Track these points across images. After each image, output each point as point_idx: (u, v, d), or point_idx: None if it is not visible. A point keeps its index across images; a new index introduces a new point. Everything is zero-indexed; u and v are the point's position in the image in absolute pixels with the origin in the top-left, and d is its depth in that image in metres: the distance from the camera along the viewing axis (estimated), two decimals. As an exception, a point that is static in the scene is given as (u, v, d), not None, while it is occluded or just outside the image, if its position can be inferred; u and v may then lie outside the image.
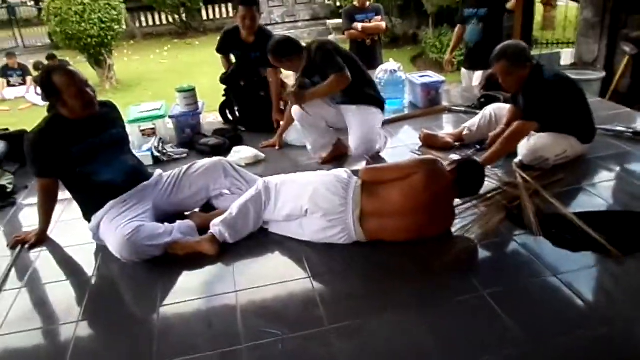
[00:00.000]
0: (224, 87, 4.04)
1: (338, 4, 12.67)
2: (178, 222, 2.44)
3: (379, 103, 3.31)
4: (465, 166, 2.35)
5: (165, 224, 2.39)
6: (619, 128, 3.38)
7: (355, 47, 4.83)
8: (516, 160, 2.93)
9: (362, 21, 4.74)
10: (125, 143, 2.61)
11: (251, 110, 3.96)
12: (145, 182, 2.55)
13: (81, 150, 2.35)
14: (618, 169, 2.94)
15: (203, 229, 2.44)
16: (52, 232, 2.66)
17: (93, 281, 2.28)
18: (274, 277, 2.15)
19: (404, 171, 2.23)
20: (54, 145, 2.31)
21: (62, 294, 2.22)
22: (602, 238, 2.16)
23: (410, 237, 2.24)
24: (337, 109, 3.26)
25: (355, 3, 4.89)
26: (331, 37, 12.03)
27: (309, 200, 2.25)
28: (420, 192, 2.15)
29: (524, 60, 2.84)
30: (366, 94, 3.22)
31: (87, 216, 2.47)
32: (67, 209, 2.84)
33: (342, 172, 2.37)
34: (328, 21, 12.83)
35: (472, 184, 2.37)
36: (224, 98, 4.10)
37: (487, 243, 2.28)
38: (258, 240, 2.42)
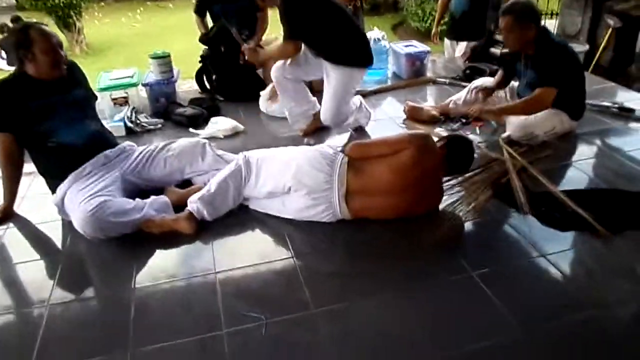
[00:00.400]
0: (200, 53, 3.86)
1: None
2: (152, 197, 2.31)
3: (364, 61, 3.03)
4: (455, 142, 2.27)
5: (137, 199, 2.27)
6: (604, 103, 3.34)
7: None
8: (503, 135, 2.86)
9: None
10: (88, 106, 2.47)
11: (230, 79, 3.79)
12: (107, 152, 2.41)
13: (40, 106, 2.23)
14: (604, 145, 2.91)
15: (179, 205, 2.32)
16: (19, 207, 2.51)
17: (63, 261, 2.15)
18: (255, 256, 2.06)
19: (392, 147, 2.13)
20: (12, 98, 2.22)
21: (30, 274, 2.09)
22: (590, 217, 2.12)
23: (397, 215, 2.17)
24: (319, 61, 3.03)
25: None
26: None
27: (292, 177, 2.15)
28: (410, 169, 2.06)
29: (530, 19, 2.71)
30: (351, 54, 2.97)
31: (51, 187, 2.34)
32: (34, 183, 2.68)
33: (326, 148, 2.27)
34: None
35: (462, 161, 2.29)
36: (200, 65, 3.91)
37: (475, 221, 2.23)
38: (238, 217, 2.31)
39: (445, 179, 2.40)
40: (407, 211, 2.16)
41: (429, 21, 8.51)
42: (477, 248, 2.10)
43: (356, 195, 2.13)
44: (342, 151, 2.22)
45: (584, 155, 2.82)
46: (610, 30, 5.28)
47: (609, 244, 2.04)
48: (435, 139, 2.27)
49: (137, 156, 2.48)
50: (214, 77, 3.86)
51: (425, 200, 2.19)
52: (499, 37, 4.15)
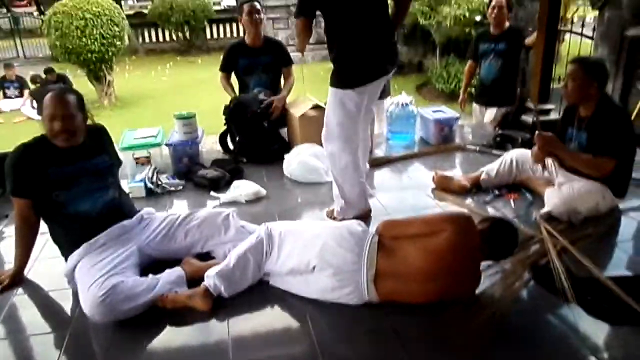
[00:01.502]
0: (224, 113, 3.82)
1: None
2: (166, 271, 2.18)
3: (357, 81, 2.49)
4: (499, 226, 2.11)
5: (150, 275, 2.14)
6: (645, 177, 3.16)
7: None
8: (542, 211, 2.69)
9: None
10: (110, 174, 2.37)
11: (253, 141, 3.73)
12: (124, 222, 2.31)
13: (59, 174, 2.16)
14: (650, 223, 2.72)
15: (196, 279, 2.18)
16: (30, 271, 2.41)
17: (68, 336, 2.00)
18: (273, 340, 1.91)
19: (430, 227, 1.98)
20: (32, 163, 2.15)
21: (36, 346, 1.97)
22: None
23: (429, 300, 1.99)
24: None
25: None
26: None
27: (317, 255, 2.00)
28: (447, 253, 1.90)
29: (596, 76, 2.61)
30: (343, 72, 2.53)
31: (64, 254, 2.25)
32: (47, 245, 2.58)
33: (355, 225, 2.13)
34: (333, 45, 12.70)
35: (505, 248, 2.12)
36: (224, 127, 3.87)
37: (514, 310, 2.03)
38: (257, 294, 2.16)
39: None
40: (439, 297, 1.99)
41: (453, 83, 8.53)
42: (518, 343, 1.88)
43: (386, 278, 1.97)
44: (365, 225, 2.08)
45: (629, 235, 2.62)
46: (643, 98, 5.15)
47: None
48: (476, 218, 2.11)
49: (157, 227, 2.37)
50: (237, 138, 3.81)
51: (461, 286, 2.01)
52: (529, 105, 4.07)
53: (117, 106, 9.27)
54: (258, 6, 3.72)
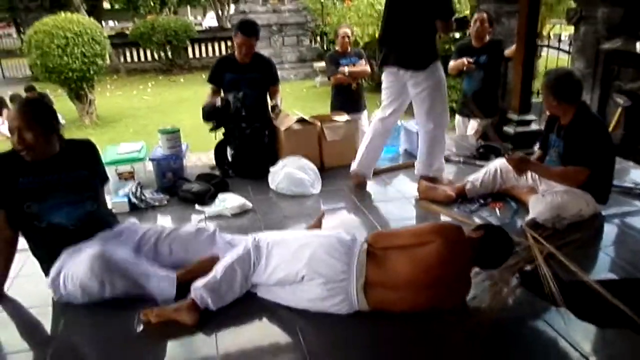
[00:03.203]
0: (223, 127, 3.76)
1: (325, 47, 12.71)
2: (159, 272, 2.14)
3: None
4: (493, 235, 2.08)
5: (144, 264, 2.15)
6: (627, 184, 3.23)
7: (340, 91, 4.67)
8: (527, 218, 2.72)
9: (347, 65, 4.60)
10: (87, 187, 2.29)
11: (247, 156, 3.70)
12: (107, 232, 2.27)
13: (29, 184, 2.12)
14: (632, 229, 2.76)
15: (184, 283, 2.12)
16: (10, 288, 2.33)
17: (52, 351, 1.94)
18: (264, 353, 1.87)
19: (419, 237, 1.97)
20: (2, 173, 2.12)
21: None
22: (631, 312, 1.93)
23: (420, 309, 1.97)
24: None
25: (338, 48, 4.76)
26: (317, 80, 12.05)
27: (306, 264, 1.98)
28: (435, 265, 1.89)
29: (565, 93, 2.70)
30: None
31: (45, 269, 2.19)
32: (27, 262, 2.52)
33: (343, 234, 2.11)
34: (315, 64, 12.83)
35: (498, 257, 2.11)
36: (221, 139, 3.82)
37: (504, 315, 2.03)
38: (244, 306, 2.11)
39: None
40: (429, 306, 1.97)
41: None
42: (510, 349, 1.88)
43: (376, 287, 1.95)
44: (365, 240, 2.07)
45: (612, 239, 2.66)
46: (620, 109, 5.26)
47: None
48: (465, 228, 2.10)
49: (139, 241, 2.33)
50: (229, 152, 3.78)
51: (451, 295, 2.00)
52: (512, 116, 4.13)
53: (99, 125, 9.19)
54: (252, 42, 3.66)
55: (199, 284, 2.05)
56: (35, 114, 2.11)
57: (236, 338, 1.97)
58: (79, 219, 2.21)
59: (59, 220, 2.17)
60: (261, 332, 2.01)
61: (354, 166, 3.46)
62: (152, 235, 2.33)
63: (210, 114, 3.61)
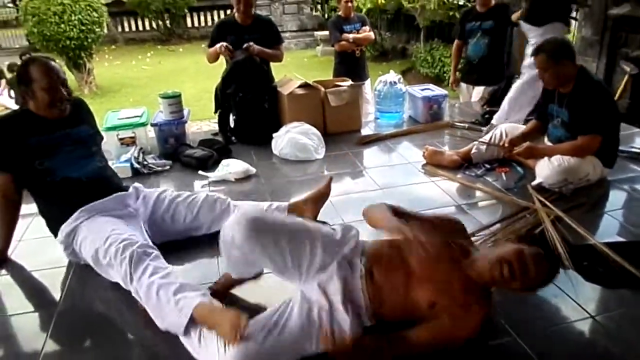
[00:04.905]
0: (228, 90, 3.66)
1: (326, 15, 12.51)
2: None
3: None
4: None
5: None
6: (633, 149, 3.19)
7: (344, 59, 4.60)
8: (534, 182, 2.69)
9: (351, 32, 4.51)
10: (93, 143, 2.31)
11: (249, 122, 3.65)
12: (120, 193, 2.23)
13: (40, 142, 2.11)
14: (637, 193, 2.74)
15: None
16: (14, 252, 2.33)
17: (58, 312, 1.94)
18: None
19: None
20: (11, 135, 2.10)
21: (23, 326, 1.90)
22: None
23: None
24: None
25: (340, 13, 4.66)
26: (319, 49, 11.89)
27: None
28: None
29: (564, 56, 2.63)
30: None
31: (54, 227, 2.15)
32: (31, 226, 2.51)
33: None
34: (316, 32, 12.65)
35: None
36: (224, 105, 3.72)
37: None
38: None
39: (473, 230, 2.23)
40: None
41: (438, 67, 8.53)
42: (519, 306, 1.87)
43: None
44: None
45: (618, 203, 2.64)
46: (626, 76, 5.19)
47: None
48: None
49: (157, 201, 2.30)
50: (232, 117, 3.73)
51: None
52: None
53: (98, 94, 9.10)
54: None
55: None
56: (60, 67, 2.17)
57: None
58: (92, 174, 2.20)
59: (73, 173, 2.15)
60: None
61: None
62: (170, 200, 2.30)
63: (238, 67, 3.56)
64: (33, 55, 2.22)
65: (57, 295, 2.06)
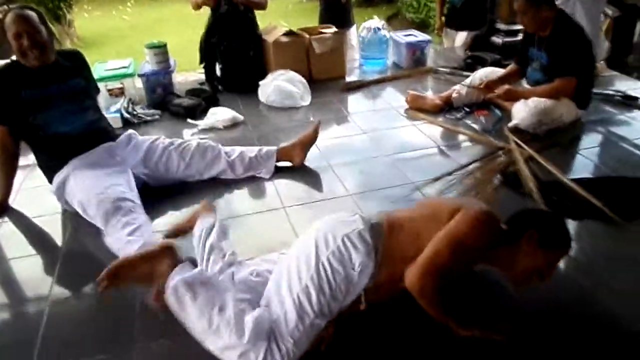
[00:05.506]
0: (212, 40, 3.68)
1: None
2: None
3: None
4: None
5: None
6: (608, 91, 3.31)
7: (329, 5, 4.54)
8: (510, 124, 2.82)
9: None
10: (87, 96, 2.36)
11: (235, 70, 3.69)
12: (111, 142, 2.32)
13: (32, 95, 2.14)
14: (610, 133, 2.88)
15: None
16: (15, 201, 2.42)
17: (62, 256, 2.06)
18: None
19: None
20: (4, 87, 2.13)
21: (28, 270, 2.01)
22: (603, 205, 2.08)
23: None
24: None
25: None
26: (303, -5, 11.64)
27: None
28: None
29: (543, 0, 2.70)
30: None
31: (49, 176, 2.25)
32: (30, 176, 2.60)
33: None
34: (300, -22, 12.34)
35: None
36: (210, 54, 3.74)
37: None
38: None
39: (450, 169, 2.36)
40: None
41: (424, 12, 8.46)
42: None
43: None
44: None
45: (590, 143, 2.78)
46: (608, 20, 5.22)
47: (624, 231, 2.01)
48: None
49: (149, 148, 2.38)
50: (219, 66, 3.76)
51: None
52: (500, 26, 4.12)
53: (80, 46, 8.89)
54: None
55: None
56: (37, 14, 2.13)
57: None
58: (84, 128, 2.25)
59: (64, 129, 2.20)
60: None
61: None
62: (162, 146, 2.39)
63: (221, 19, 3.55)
64: (11, 6, 2.21)
65: (59, 240, 2.17)
